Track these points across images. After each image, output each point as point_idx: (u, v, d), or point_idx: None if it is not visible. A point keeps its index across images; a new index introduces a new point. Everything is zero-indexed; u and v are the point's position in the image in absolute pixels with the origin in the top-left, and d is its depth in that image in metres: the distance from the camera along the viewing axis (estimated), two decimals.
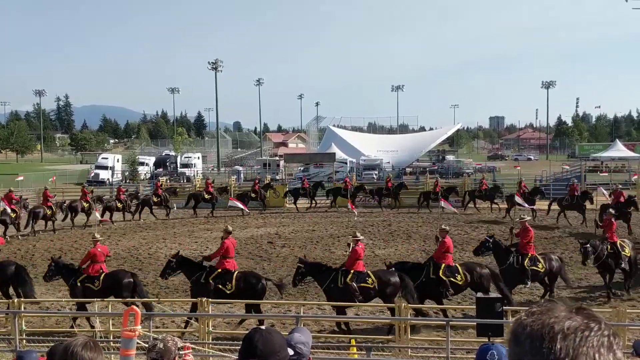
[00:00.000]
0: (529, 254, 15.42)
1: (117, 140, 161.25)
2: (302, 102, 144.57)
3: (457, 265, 14.84)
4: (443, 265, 14.46)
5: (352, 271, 14.05)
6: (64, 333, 13.12)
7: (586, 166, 51.05)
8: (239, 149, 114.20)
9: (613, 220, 17.38)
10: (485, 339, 10.01)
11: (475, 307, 11.51)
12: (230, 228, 15.31)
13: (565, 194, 31.67)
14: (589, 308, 1.47)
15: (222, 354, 10.45)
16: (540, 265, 15.25)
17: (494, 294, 13.09)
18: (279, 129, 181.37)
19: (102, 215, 32.22)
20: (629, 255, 16.36)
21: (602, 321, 1.41)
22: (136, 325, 4.63)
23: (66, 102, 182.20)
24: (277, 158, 75.16)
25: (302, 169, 61.35)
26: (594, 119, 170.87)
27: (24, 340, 12.10)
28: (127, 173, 64.40)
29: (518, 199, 30.64)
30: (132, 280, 14.52)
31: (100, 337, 11.93)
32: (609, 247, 16.15)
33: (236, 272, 14.53)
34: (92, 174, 59.96)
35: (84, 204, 31.61)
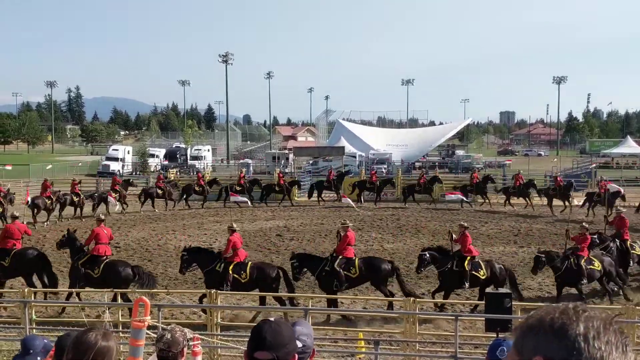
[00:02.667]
0: (469, 257, 15.13)
1: (127, 132, 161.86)
2: (312, 96, 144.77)
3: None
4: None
5: (233, 262, 14.75)
6: (73, 322, 13.22)
7: (597, 162, 51.00)
8: (248, 142, 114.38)
9: (587, 234, 16.07)
10: (494, 334, 10.01)
11: (484, 302, 11.51)
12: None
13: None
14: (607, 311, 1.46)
15: (231, 345, 10.50)
16: (482, 272, 14.95)
17: (502, 289, 13.07)
18: (289, 122, 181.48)
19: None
20: (598, 268, 15.34)
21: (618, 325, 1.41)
22: (146, 316, 4.64)
23: (77, 93, 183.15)
24: (286, 151, 75.22)
25: (311, 162, 61.34)
26: (605, 115, 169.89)
27: (34, 330, 12.18)
28: (137, 165, 64.68)
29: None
30: (38, 257, 15.41)
31: (109, 327, 11.99)
32: (572, 260, 15.25)
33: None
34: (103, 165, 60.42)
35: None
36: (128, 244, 24.18)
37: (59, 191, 30.65)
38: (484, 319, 10.94)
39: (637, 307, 11.97)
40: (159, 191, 33.10)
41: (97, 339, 2.61)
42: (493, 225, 28.31)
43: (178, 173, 49.02)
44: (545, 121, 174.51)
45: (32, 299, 13.10)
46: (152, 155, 67.03)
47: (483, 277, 14.94)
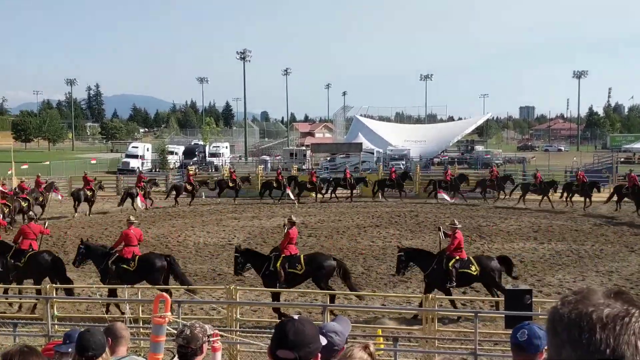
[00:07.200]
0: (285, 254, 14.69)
1: (146, 129, 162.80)
2: (329, 92, 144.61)
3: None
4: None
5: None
6: (95, 319, 13.35)
7: (618, 157, 50.32)
8: (266, 139, 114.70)
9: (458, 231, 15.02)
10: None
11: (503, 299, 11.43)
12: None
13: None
14: (628, 292, 1.40)
15: (250, 341, 10.54)
16: (299, 267, 14.55)
17: (523, 285, 12.97)
18: (306, 119, 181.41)
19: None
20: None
21: None
22: (166, 312, 4.68)
23: (97, 91, 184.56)
24: (303, 148, 75.33)
25: (328, 158, 61.34)
26: (626, 110, 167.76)
27: (56, 326, 12.33)
28: (157, 162, 65.21)
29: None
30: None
31: (130, 323, 12.10)
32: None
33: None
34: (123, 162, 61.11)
35: (139, 190, 33.40)
36: (148, 240, 24.25)
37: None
38: (503, 316, 10.87)
39: None
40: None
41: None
42: (512, 222, 28.09)
43: (197, 170, 49.21)
44: (565, 116, 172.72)
45: (54, 295, 13.24)
46: (171, 153, 67.58)
47: (300, 272, 14.59)
